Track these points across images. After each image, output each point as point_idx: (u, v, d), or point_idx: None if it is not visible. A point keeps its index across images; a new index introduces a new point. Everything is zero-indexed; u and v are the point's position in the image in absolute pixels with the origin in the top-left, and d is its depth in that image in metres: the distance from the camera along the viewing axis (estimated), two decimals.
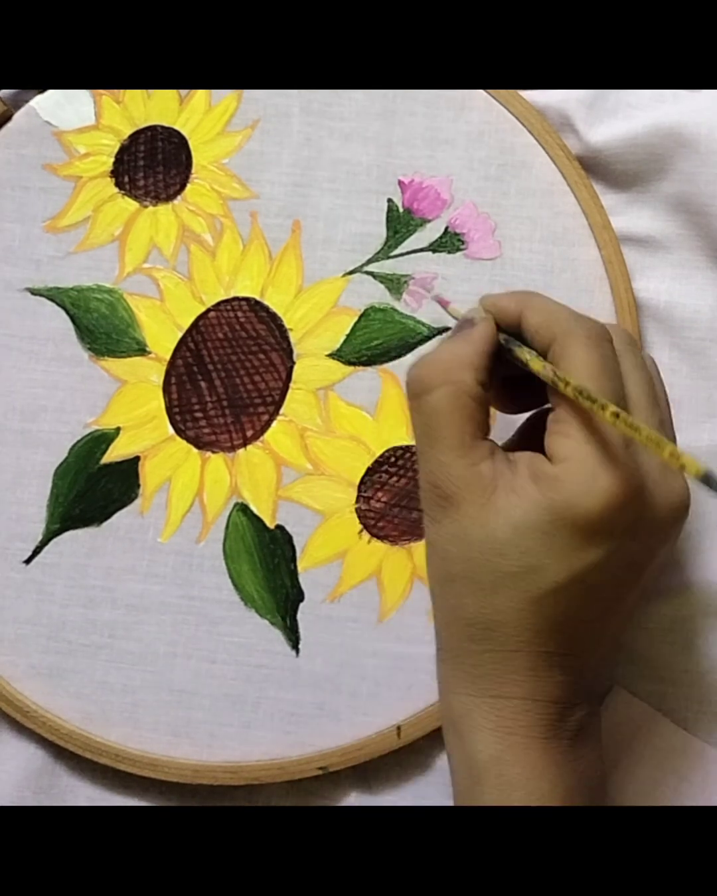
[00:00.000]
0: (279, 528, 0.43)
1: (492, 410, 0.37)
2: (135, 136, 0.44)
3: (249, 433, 0.44)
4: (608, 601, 0.35)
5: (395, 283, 0.44)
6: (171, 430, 0.44)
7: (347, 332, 0.44)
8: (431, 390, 0.35)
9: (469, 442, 0.35)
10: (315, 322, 0.44)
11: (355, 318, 0.44)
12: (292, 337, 0.44)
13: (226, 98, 0.44)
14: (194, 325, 0.44)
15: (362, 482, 0.43)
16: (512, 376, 0.37)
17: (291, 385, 0.44)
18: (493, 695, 0.35)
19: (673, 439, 0.37)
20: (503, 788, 0.35)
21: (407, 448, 0.43)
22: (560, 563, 0.34)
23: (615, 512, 0.33)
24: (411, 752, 0.43)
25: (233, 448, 0.44)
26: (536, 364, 0.35)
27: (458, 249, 0.44)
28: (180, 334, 0.44)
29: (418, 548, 0.43)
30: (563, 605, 0.34)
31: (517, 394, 0.38)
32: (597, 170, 0.44)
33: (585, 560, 0.34)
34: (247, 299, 0.44)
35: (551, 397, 0.35)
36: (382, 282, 0.44)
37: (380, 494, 0.43)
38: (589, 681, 0.36)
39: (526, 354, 0.35)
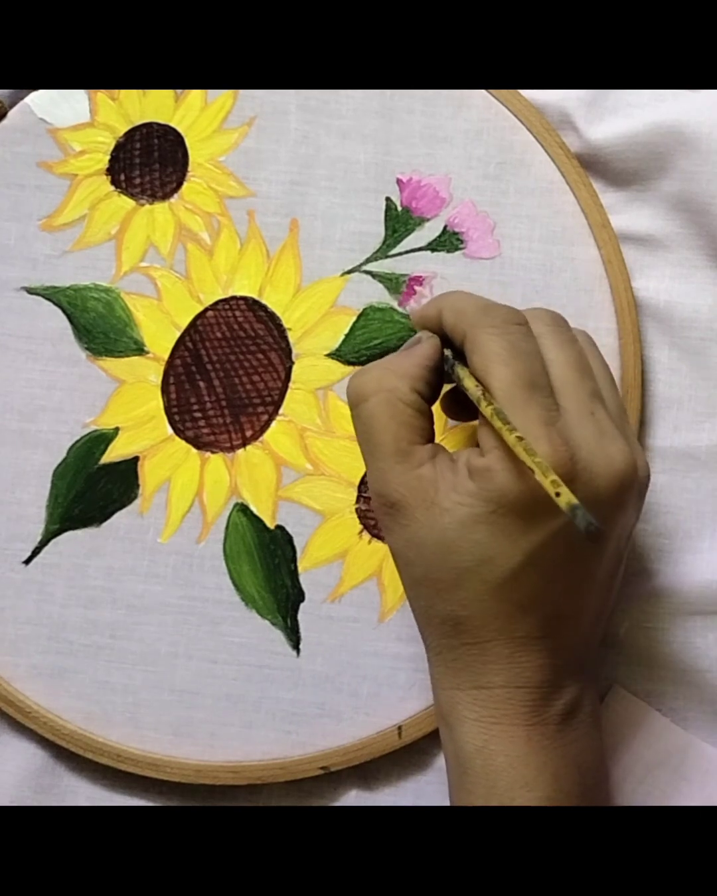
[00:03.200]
0: (279, 528, 0.43)
1: None
2: (130, 134, 0.44)
3: (249, 433, 0.44)
4: (572, 577, 0.36)
5: (393, 283, 0.44)
6: (170, 430, 0.43)
7: (346, 331, 0.44)
8: (366, 398, 0.37)
9: (406, 448, 0.36)
10: (314, 321, 0.44)
11: (354, 318, 0.44)
12: (291, 336, 0.44)
13: (222, 95, 0.44)
14: (192, 324, 0.44)
15: (361, 482, 0.43)
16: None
17: (291, 385, 0.44)
18: (475, 686, 0.36)
19: (617, 404, 0.38)
20: (489, 776, 0.35)
21: None
22: (511, 548, 0.35)
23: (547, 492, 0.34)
24: (411, 751, 0.43)
25: (232, 448, 0.43)
26: (469, 382, 0.36)
27: (457, 248, 0.44)
28: (178, 334, 0.44)
29: None
30: (525, 589, 0.35)
31: (466, 403, 0.38)
32: (597, 168, 0.44)
33: (534, 541, 0.35)
34: (245, 299, 0.44)
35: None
36: (380, 281, 0.44)
37: None
38: (574, 660, 0.37)
39: (461, 371, 0.36)
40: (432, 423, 0.37)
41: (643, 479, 0.37)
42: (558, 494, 0.32)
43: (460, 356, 0.37)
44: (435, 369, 0.38)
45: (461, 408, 0.40)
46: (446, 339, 0.38)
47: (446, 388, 0.40)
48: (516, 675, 0.36)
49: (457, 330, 0.37)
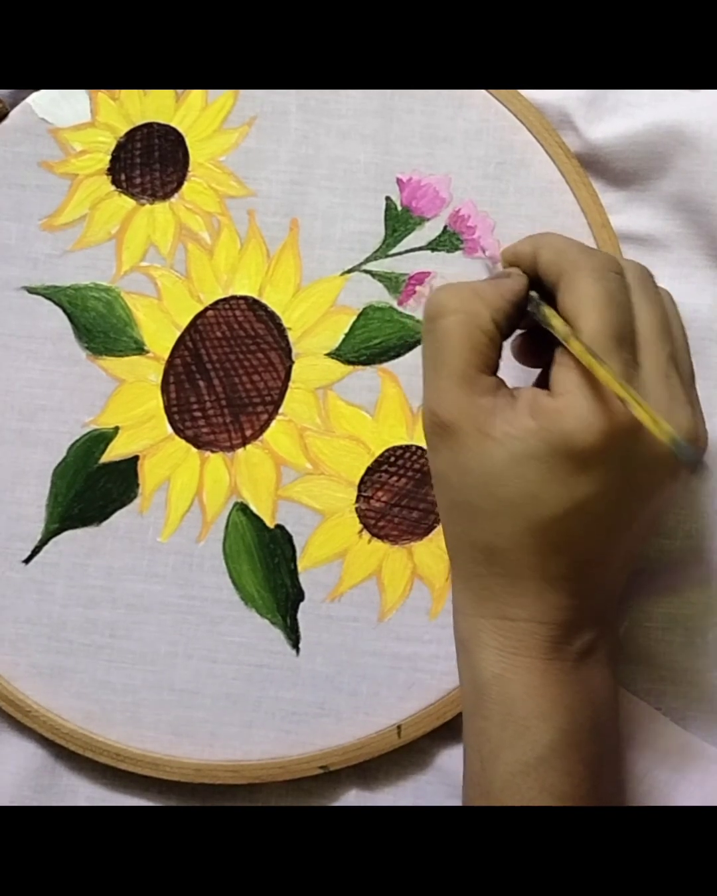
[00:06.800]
0: (279, 527, 0.43)
1: None
2: (131, 134, 0.44)
3: (248, 433, 0.44)
4: (611, 528, 0.36)
5: (393, 282, 0.44)
6: (169, 430, 0.44)
7: (346, 331, 0.44)
8: (445, 315, 0.36)
9: (472, 374, 0.35)
10: (314, 321, 0.44)
11: (354, 317, 0.44)
12: (291, 336, 0.44)
13: (223, 95, 0.44)
14: (192, 324, 0.44)
15: (361, 482, 0.43)
16: (537, 329, 0.37)
17: (290, 384, 0.44)
18: (499, 616, 0.36)
19: (689, 370, 0.37)
20: (505, 704, 0.36)
21: (407, 447, 0.43)
22: (559, 492, 0.34)
23: (613, 443, 0.34)
24: (411, 751, 0.43)
25: (232, 447, 0.44)
26: (556, 321, 0.35)
27: (457, 248, 0.44)
28: (178, 333, 0.44)
29: (419, 547, 0.43)
30: (565, 532, 0.35)
31: (540, 348, 0.38)
32: (597, 168, 0.44)
33: (584, 490, 0.34)
34: (245, 298, 0.44)
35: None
36: (380, 280, 0.44)
37: (380, 494, 0.43)
38: (597, 604, 0.37)
39: (547, 311, 0.36)
40: (500, 356, 0.37)
41: (701, 451, 0.36)
42: (656, 422, 0.31)
43: (547, 298, 0.36)
44: (518, 306, 0.37)
45: (533, 353, 0.39)
46: (533, 280, 0.37)
47: (518, 332, 0.39)
48: (541, 611, 0.36)
49: (553, 268, 0.36)
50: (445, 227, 0.44)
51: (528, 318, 0.37)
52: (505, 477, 0.35)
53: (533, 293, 0.37)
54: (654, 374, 0.35)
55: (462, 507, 0.36)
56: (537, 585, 0.36)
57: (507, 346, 0.38)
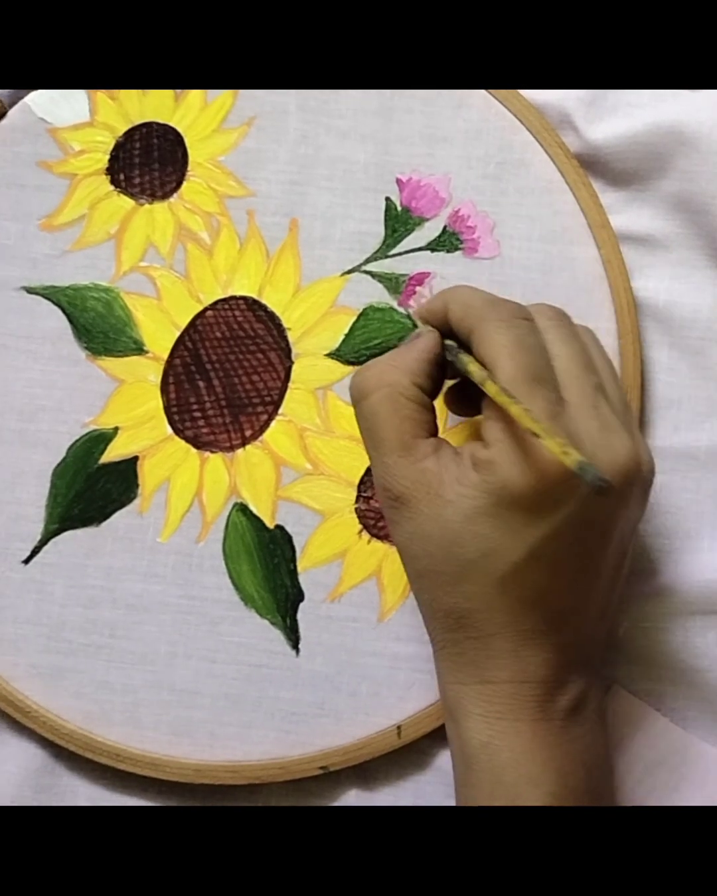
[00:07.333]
0: (279, 528, 0.43)
1: None
2: (130, 133, 0.44)
3: (248, 433, 0.44)
4: (576, 571, 0.36)
5: (393, 283, 0.44)
6: (169, 430, 0.44)
7: (346, 331, 0.44)
8: (368, 395, 0.37)
9: (410, 442, 0.36)
10: (314, 321, 0.44)
11: (354, 318, 0.44)
12: (291, 336, 0.44)
13: (222, 95, 0.44)
14: (192, 324, 0.44)
15: (361, 482, 0.43)
16: (466, 381, 0.38)
17: (290, 384, 0.44)
18: (479, 681, 0.36)
19: (621, 399, 0.38)
20: (494, 772, 0.35)
21: None
22: (514, 541, 0.35)
23: (550, 483, 0.34)
24: (411, 751, 0.43)
25: (232, 448, 0.43)
26: (473, 367, 0.36)
27: (456, 248, 0.44)
28: (178, 333, 0.44)
29: None
30: (529, 583, 0.35)
31: (471, 397, 0.39)
32: (596, 168, 0.44)
33: (536, 535, 0.35)
34: (245, 298, 0.44)
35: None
36: (380, 281, 0.44)
37: None
38: (579, 655, 0.37)
39: (464, 358, 0.37)
40: (434, 416, 0.38)
41: (646, 473, 0.37)
42: (566, 453, 0.31)
43: (465, 348, 0.37)
44: (436, 362, 0.38)
45: (465, 402, 0.40)
46: (449, 333, 0.38)
47: (450, 383, 0.40)
48: (521, 669, 0.36)
49: (464, 323, 0.37)
50: (444, 228, 0.44)
51: (453, 368, 0.38)
52: (461, 537, 0.35)
53: (450, 343, 0.38)
54: (581, 407, 0.35)
55: (428, 575, 0.36)
56: (512, 644, 0.35)
57: None
